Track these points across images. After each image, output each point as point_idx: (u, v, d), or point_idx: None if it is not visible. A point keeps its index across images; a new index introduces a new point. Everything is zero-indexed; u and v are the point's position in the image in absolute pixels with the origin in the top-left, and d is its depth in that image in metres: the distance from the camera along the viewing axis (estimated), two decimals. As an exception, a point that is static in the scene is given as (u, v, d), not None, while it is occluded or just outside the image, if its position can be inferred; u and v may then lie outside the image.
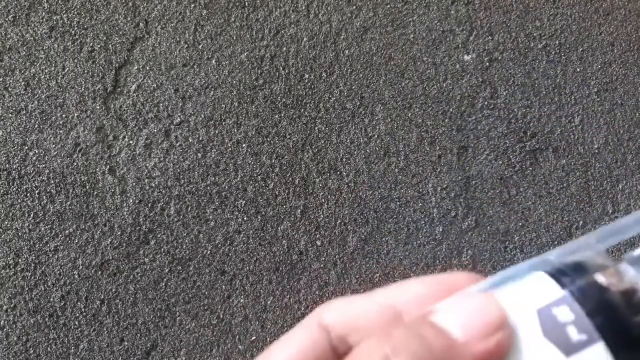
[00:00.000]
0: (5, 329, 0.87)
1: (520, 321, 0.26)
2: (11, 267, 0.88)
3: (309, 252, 0.90)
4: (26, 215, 0.89)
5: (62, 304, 0.88)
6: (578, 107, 0.98)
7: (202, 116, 0.90)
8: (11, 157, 0.89)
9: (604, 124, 0.98)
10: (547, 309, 0.26)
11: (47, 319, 0.87)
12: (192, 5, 0.92)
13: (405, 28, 0.93)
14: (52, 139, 0.89)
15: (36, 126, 0.89)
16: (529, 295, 0.26)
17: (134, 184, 0.89)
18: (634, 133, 0.99)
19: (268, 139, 0.90)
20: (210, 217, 0.89)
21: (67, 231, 0.89)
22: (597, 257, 0.27)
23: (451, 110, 0.92)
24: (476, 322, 0.25)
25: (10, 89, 0.90)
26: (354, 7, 0.93)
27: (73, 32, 0.91)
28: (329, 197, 0.91)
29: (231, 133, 0.90)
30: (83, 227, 0.89)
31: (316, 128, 0.91)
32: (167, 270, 0.89)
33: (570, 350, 0.25)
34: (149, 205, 0.89)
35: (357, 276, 0.91)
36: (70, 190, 0.89)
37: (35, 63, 0.90)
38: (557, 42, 0.95)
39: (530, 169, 0.97)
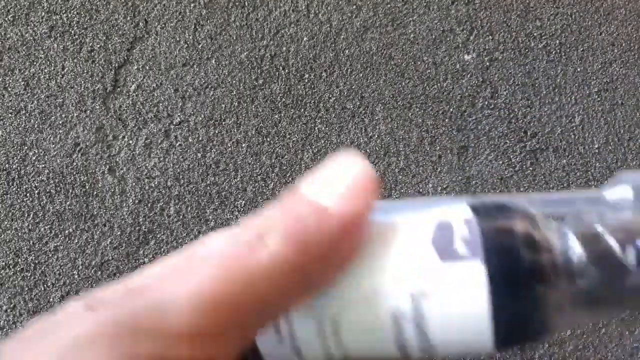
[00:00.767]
0: (5, 329, 0.87)
1: (420, 227, 0.27)
2: (11, 267, 0.88)
3: (309, 252, 0.90)
4: (26, 215, 0.89)
5: (62, 304, 0.88)
6: (578, 107, 0.98)
7: (202, 116, 0.90)
8: (11, 157, 0.89)
9: (604, 124, 0.98)
10: (448, 224, 0.27)
11: (46, 319, 0.87)
12: (192, 5, 0.92)
13: (406, 28, 0.93)
14: (51, 138, 0.89)
15: (36, 126, 0.89)
16: (440, 212, 0.27)
17: (134, 184, 0.89)
18: (635, 133, 0.98)
19: (268, 139, 0.90)
20: (210, 217, 0.89)
21: (66, 231, 0.88)
22: (529, 208, 0.28)
23: (451, 110, 0.92)
24: (342, 185, 0.24)
25: (9, 89, 0.90)
26: (354, 6, 0.93)
27: (72, 32, 0.91)
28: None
29: (231, 133, 0.90)
30: (83, 227, 0.89)
31: (316, 128, 0.91)
32: (167, 271, 0.89)
33: (446, 257, 0.25)
34: (149, 205, 0.89)
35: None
36: (70, 190, 0.89)
37: (34, 63, 0.90)
38: (557, 41, 0.95)
39: (531, 169, 0.96)
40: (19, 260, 0.88)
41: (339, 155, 0.26)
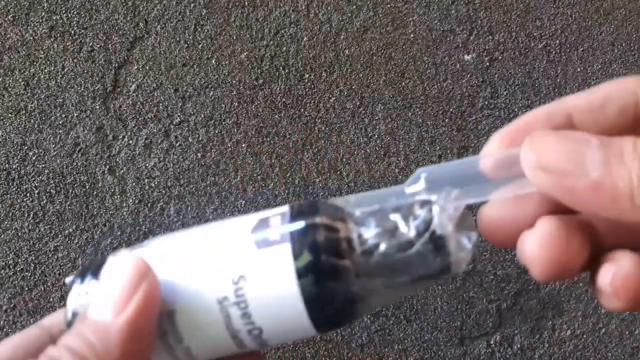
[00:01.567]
0: (5, 329, 0.87)
1: (243, 224, 0.30)
2: (11, 267, 0.88)
3: (309, 252, 0.90)
4: (26, 215, 0.89)
5: (62, 304, 0.88)
6: (578, 107, 0.98)
7: (202, 116, 0.90)
8: (11, 157, 0.89)
9: (604, 124, 0.98)
10: (267, 218, 0.30)
11: (46, 319, 0.87)
12: (192, 5, 0.92)
13: (406, 28, 0.93)
14: (51, 138, 0.89)
15: (36, 126, 0.89)
16: (265, 212, 0.31)
17: (134, 184, 0.89)
18: (635, 133, 0.98)
19: (268, 139, 0.90)
20: (210, 217, 0.89)
21: (66, 231, 0.88)
22: (337, 202, 0.31)
23: (451, 110, 0.92)
24: (112, 294, 0.27)
25: (9, 89, 0.90)
26: (354, 6, 0.93)
27: (72, 31, 0.91)
28: (329, 197, 0.91)
29: (231, 133, 0.90)
30: (83, 227, 0.89)
31: (316, 128, 0.91)
32: (167, 271, 0.89)
33: (262, 244, 0.29)
34: (149, 205, 0.89)
35: (357, 276, 0.91)
36: (70, 190, 0.89)
37: (34, 63, 0.90)
38: (557, 41, 0.95)
39: (531, 168, 0.96)
40: (19, 260, 0.88)
41: (112, 262, 0.29)
